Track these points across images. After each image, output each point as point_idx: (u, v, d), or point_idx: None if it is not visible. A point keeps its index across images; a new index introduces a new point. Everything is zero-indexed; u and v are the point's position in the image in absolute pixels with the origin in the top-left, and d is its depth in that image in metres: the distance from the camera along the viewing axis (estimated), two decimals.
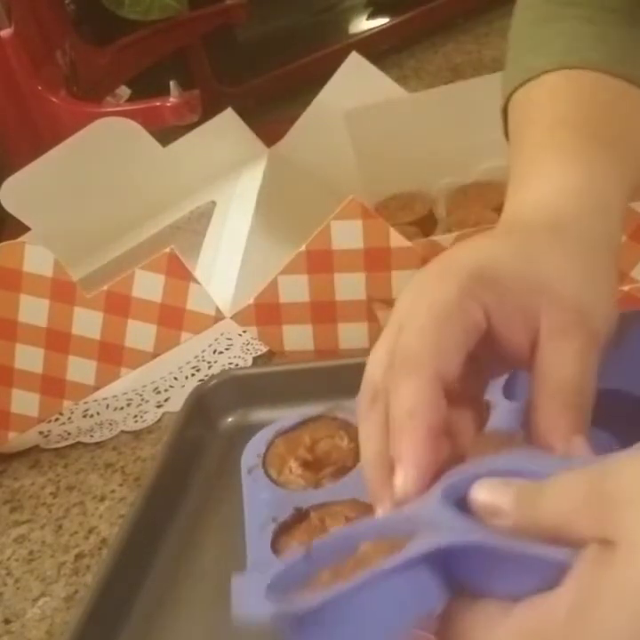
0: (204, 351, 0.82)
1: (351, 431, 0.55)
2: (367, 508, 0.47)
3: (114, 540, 0.59)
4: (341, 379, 0.63)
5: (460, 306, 0.38)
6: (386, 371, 0.39)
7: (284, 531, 0.50)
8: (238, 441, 0.64)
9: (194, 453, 0.64)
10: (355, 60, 0.90)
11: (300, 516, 0.51)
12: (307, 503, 0.51)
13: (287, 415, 0.64)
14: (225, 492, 0.60)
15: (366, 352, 0.67)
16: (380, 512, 0.38)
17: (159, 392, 0.79)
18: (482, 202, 0.85)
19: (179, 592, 0.55)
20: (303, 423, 0.58)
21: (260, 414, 0.66)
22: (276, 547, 0.49)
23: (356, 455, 0.54)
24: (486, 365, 0.41)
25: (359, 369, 0.62)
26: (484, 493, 0.33)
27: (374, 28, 1.40)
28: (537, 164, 0.47)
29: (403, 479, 0.36)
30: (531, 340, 0.39)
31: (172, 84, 0.98)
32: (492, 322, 0.39)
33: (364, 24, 1.46)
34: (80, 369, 0.74)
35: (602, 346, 0.40)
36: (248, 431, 0.64)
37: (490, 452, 0.38)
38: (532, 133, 0.50)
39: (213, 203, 0.95)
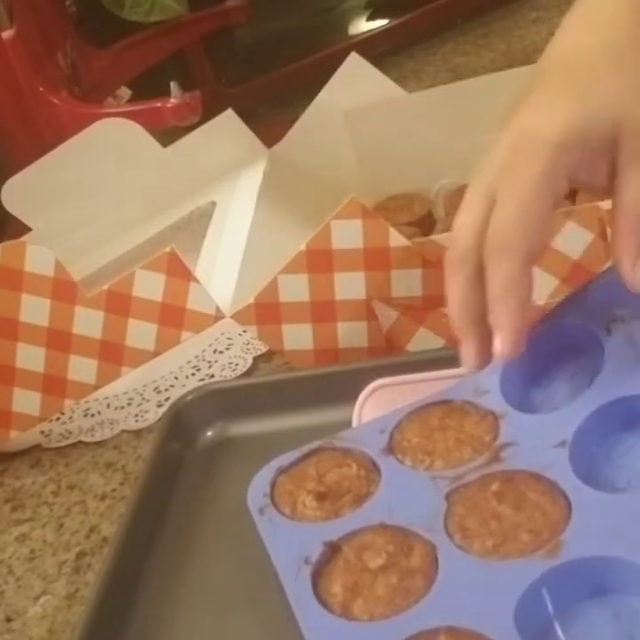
0: (204, 351, 0.82)
1: (357, 458, 0.54)
2: (396, 531, 0.48)
3: (99, 566, 0.58)
4: (320, 389, 0.64)
5: (550, 182, 0.43)
6: (477, 238, 0.45)
7: (321, 573, 0.47)
8: (218, 455, 0.64)
9: (174, 469, 0.63)
10: (354, 60, 0.90)
11: (332, 550, 0.48)
12: (333, 535, 0.49)
13: (266, 428, 0.64)
14: (210, 507, 0.60)
15: (365, 352, 0.68)
16: (466, 350, 0.49)
17: (160, 391, 0.79)
18: None
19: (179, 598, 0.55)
20: (303, 458, 0.55)
21: (238, 428, 0.66)
22: (317, 592, 0.46)
23: (368, 481, 0.52)
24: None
25: (336, 379, 0.64)
26: None
27: (373, 30, 1.40)
28: None
29: (501, 343, 0.45)
30: (610, 172, 0.44)
31: (172, 84, 0.99)
32: (575, 178, 0.44)
33: (363, 25, 1.46)
34: (81, 368, 0.74)
35: None
36: (228, 445, 0.65)
37: None
38: None
39: (213, 203, 0.96)
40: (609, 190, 0.45)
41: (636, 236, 0.44)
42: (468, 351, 0.49)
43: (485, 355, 0.48)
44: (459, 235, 0.47)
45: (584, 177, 0.44)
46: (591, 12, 0.48)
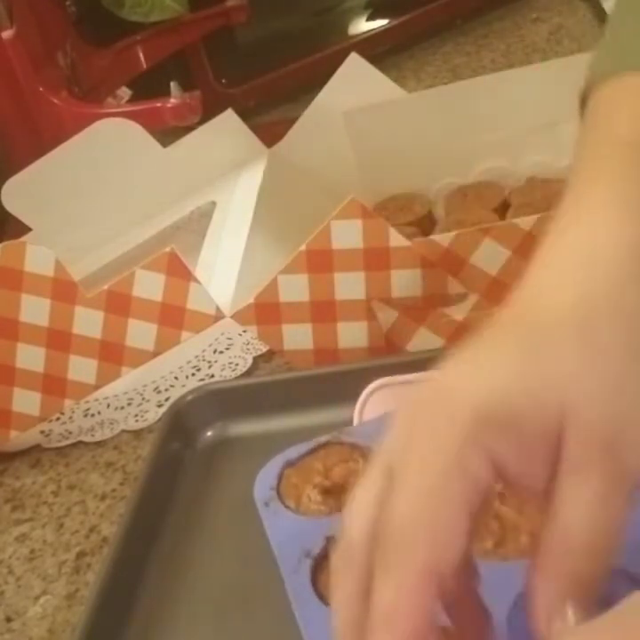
0: (204, 351, 0.82)
1: (365, 453, 0.54)
2: None
3: (99, 565, 0.58)
4: (318, 389, 0.64)
5: (462, 463, 0.31)
6: (370, 530, 0.32)
7: (321, 567, 0.47)
8: (218, 455, 0.64)
9: (174, 469, 0.63)
10: (354, 60, 0.90)
11: (333, 545, 0.49)
12: (336, 530, 0.49)
13: (266, 428, 0.64)
14: (210, 507, 0.60)
15: (365, 352, 0.68)
16: None
17: (160, 391, 0.79)
18: (481, 203, 0.85)
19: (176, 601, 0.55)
20: (311, 452, 0.56)
21: (238, 428, 0.66)
22: (316, 586, 0.46)
23: None
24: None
25: (336, 379, 0.64)
26: None
27: (374, 30, 1.40)
28: (582, 201, 0.37)
29: None
30: (549, 473, 0.31)
31: (172, 84, 0.99)
32: (501, 465, 0.31)
33: (363, 25, 1.46)
34: (81, 368, 0.74)
35: (635, 486, 0.31)
36: (227, 445, 0.65)
37: None
38: (596, 151, 0.39)
39: (213, 203, 0.96)
40: (539, 493, 0.32)
41: (559, 580, 0.31)
42: None
43: None
44: (348, 523, 0.34)
45: (514, 469, 0.31)
46: (579, 246, 0.35)
